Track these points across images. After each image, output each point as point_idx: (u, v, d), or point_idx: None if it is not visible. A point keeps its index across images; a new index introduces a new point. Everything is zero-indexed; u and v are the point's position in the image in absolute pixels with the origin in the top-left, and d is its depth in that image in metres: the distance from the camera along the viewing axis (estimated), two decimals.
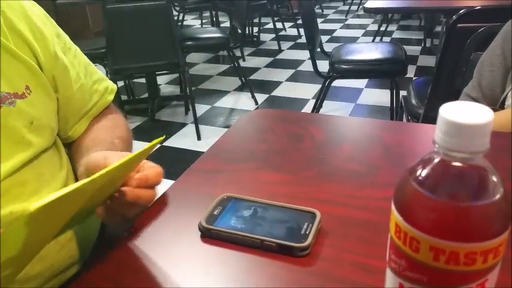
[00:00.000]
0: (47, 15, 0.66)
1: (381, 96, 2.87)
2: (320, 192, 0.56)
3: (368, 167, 0.62)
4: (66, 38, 0.69)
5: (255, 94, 2.98)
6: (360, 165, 0.62)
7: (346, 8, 5.66)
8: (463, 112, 0.27)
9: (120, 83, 2.96)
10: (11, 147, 0.55)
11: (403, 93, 1.83)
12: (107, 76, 0.78)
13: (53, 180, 0.61)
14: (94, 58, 2.65)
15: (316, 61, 2.18)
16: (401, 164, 0.62)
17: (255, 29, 4.59)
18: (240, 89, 3.22)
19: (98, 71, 0.73)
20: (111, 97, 0.73)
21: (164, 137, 0.57)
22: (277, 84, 3.29)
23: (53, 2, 2.54)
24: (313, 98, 2.93)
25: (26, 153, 0.57)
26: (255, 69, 3.62)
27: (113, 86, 0.74)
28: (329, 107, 2.76)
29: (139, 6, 2.18)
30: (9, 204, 0.55)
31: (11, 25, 0.58)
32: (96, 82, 0.71)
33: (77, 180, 0.64)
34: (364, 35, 4.55)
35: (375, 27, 4.52)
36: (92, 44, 2.55)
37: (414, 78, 2.86)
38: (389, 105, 2.33)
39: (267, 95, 3.08)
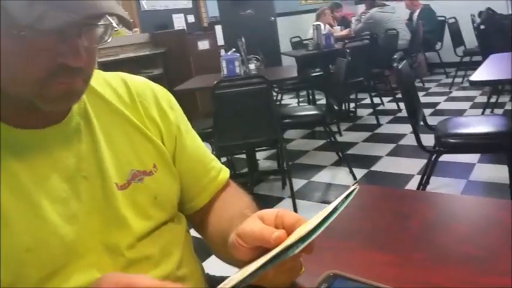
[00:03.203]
0: (174, 100, 0.75)
1: (497, 172, 2.60)
2: (432, 276, 0.52)
3: (486, 251, 0.56)
4: (188, 122, 0.77)
5: (353, 169, 2.93)
6: (476, 249, 0.57)
7: (450, 80, 5.46)
8: None
9: (223, 159, 3.17)
10: (135, 220, 0.61)
11: None
12: (212, 153, 0.84)
13: (173, 251, 0.66)
14: (202, 137, 2.90)
15: (420, 135, 2.10)
16: None
17: (352, 105, 4.63)
18: (337, 164, 3.20)
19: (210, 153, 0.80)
20: (227, 174, 0.77)
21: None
22: (376, 158, 3.20)
23: (171, 88, 2.93)
24: (418, 174, 2.77)
25: (147, 224, 0.62)
26: (352, 144, 3.60)
27: (225, 168, 0.79)
28: (436, 184, 2.57)
29: (243, 90, 2.41)
30: None
31: (147, 111, 0.68)
32: (213, 160, 0.77)
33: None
34: (472, 107, 4.28)
35: (483, 99, 4.24)
36: (201, 124, 2.83)
37: None
38: (508, 182, 2.09)
39: (366, 170, 3.00)
